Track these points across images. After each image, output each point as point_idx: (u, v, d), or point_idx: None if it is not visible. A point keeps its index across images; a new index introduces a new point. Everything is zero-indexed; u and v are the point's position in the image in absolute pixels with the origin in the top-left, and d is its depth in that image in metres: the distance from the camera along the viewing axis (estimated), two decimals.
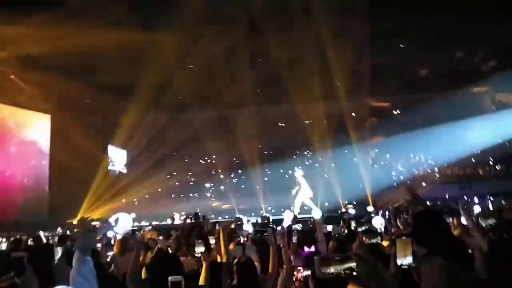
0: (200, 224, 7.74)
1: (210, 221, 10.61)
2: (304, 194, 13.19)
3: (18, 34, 11.86)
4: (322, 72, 14.95)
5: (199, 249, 3.44)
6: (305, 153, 21.21)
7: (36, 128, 17.20)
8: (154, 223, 13.74)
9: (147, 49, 13.30)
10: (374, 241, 3.73)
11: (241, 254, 3.77)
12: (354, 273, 1.58)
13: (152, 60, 13.81)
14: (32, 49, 12.42)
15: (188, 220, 9.84)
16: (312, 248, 4.14)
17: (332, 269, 1.59)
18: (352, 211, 11.89)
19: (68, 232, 9.78)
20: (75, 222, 14.25)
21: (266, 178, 20.38)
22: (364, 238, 3.76)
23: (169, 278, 2.48)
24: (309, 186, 13.63)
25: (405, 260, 2.39)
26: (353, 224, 6.46)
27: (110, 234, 6.80)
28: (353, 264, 1.58)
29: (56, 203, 15.66)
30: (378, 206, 12.94)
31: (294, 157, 21.06)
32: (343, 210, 13.70)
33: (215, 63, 14.68)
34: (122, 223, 3.28)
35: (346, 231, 6.28)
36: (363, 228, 5.31)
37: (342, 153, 18.25)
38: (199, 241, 3.48)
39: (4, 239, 8.62)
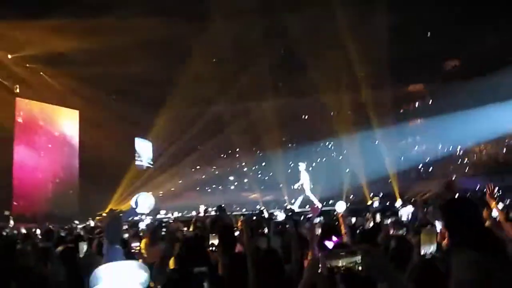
0: (223, 216, 7.81)
1: (234, 213, 10.72)
2: (306, 186, 13.45)
3: (46, 32, 12.17)
4: (346, 60, 14.69)
5: (214, 241, 3.50)
6: (329, 144, 21.02)
7: (65, 124, 17.75)
8: (176, 214, 13.93)
9: (172, 43, 13.38)
10: (401, 232, 3.67)
11: (266, 246, 3.78)
12: (360, 268, 1.55)
13: (177, 54, 13.90)
14: (60, 47, 12.73)
15: (213, 213, 9.95)
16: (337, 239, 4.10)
17: (333, 263, 1.57)
18: (376, 203, 11.72)
19: (98, 224, 10.09)
20: (104, 214, 14.65)
21: (289, 171, 20.33)
22: (391, 230, 3.71)
23: (194, 269, 2.51)
24: (311, 179, 13.79)
25: (429, 249, 2.34)
26: (378, 216, 6.36)
27: (141, 225, 6.93)
28: (358, 258, 1.55)
29: (86, 196, 16.13)
30: (406, 198, 12.69)
31: (318, 149, 20.92)
32: (369, 202, 13.52)
33: (238, 55, 14.59)
34: (143, 203, 3.29)
35: (372, 223, 6.20)
36: (389, 220, 5.21)
37: (368, 144, 17.96)
38: (213, 234, 3.53)
39: (38, 230, 8.99)
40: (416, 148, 20.02)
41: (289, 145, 20.98)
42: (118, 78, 15.15)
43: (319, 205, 12.75)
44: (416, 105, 20.24)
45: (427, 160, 18.70)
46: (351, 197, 15.65)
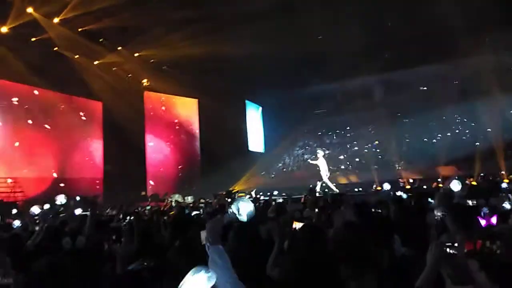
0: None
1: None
2: (324, 174, 13.56)
3: (175, 38, 13.35)
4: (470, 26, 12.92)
5: None
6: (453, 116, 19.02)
7: (186, 112, 19.43)
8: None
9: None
10: None
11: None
12: (498, 251, 1.39)
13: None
14: (181, 45, 13.75)
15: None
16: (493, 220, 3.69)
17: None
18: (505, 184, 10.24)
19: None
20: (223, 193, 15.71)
21: (403, 148, 19.05)
22: None
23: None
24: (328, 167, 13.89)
25: None
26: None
27: None
28: (497, 244, 1.38)
29: (207, 177, 17.47)
30: None
31: (438, 122, 19.12)
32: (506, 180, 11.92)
33: (351, 29, 13.75)
34: (244, 210, 3.41)
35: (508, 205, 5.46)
36: None
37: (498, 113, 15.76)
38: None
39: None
40: None
41: (405, 120, 19.59)
42: (234, 68, 15.80)
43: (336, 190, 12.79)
44: None
45: None
46: (481, 175, 14.02)
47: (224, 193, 15.00)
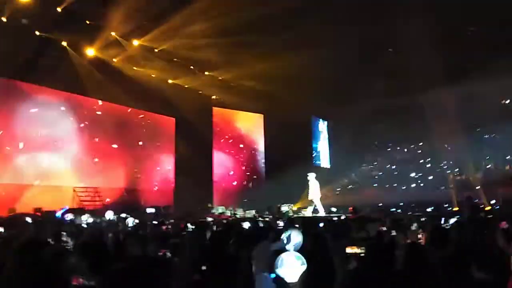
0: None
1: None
2: (315, 195, 13.84)
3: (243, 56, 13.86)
4: None
5: None
6: None
7: (252, 127, 19.82)
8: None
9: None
10: None
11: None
12: None
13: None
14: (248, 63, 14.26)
15: None
16: None
17: None
18: None
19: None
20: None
21: (483, 166, 17.54)
22: None
23: None
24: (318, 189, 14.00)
25: None
26: None
27: None
28: None
29: (271, 192, 17.50)
30: None
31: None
32: None
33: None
34: (293, 240, 3.27)
35: None
36: None
37: None
38: None
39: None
40: None
41: (485, 136, 18.11)
42: (301, 83, 15.84)
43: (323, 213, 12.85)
44: None
45: None
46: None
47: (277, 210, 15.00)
